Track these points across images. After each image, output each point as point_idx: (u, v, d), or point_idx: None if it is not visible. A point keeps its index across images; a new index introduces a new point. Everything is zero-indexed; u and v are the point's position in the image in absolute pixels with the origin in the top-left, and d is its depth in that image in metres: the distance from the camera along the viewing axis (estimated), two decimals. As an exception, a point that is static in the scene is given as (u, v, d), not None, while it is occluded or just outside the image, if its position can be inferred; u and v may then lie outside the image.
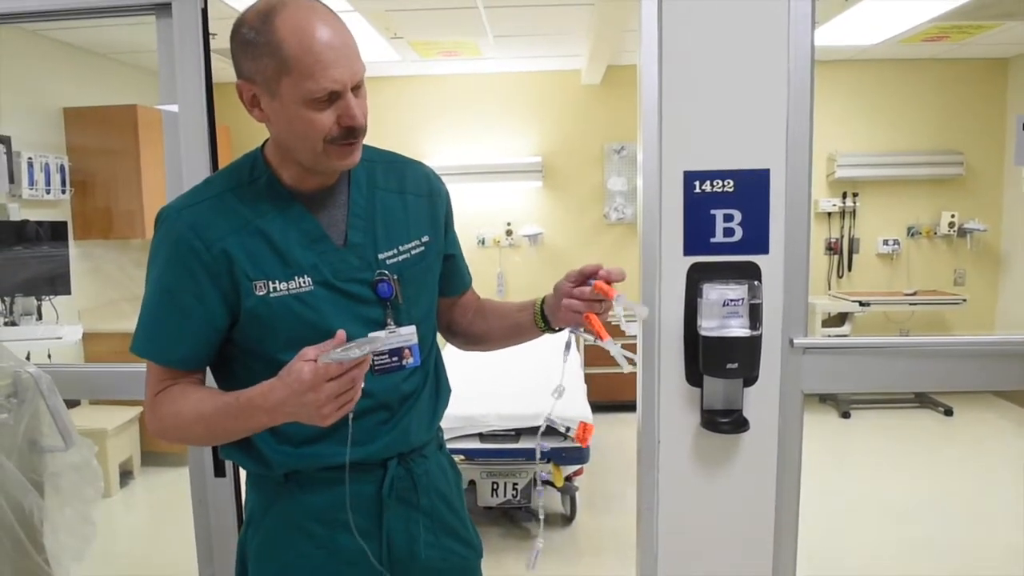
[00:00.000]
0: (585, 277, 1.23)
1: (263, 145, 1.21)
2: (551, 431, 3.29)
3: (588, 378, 4.58)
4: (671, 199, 1.70)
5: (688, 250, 1.70)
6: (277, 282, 1.14)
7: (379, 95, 5.52)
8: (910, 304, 5.44)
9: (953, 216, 5.59)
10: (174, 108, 1.87)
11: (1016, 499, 4.04)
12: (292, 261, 1.14)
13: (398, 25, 4.18)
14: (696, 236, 1.69)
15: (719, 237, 1.69)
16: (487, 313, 1.42)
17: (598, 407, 5.11)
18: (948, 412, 5.24)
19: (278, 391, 1.03)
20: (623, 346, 1.19)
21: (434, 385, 1.32)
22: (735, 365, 1.65)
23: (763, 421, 1.76)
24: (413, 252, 1.24)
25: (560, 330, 1.32)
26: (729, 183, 1.68)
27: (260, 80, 1.08)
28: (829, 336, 5.12)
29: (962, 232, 5.60)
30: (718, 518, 1.82)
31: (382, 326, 1.19)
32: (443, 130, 5.71)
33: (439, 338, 1.38)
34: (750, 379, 1.73)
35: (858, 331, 5.38)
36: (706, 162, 1.68)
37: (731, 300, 1.65)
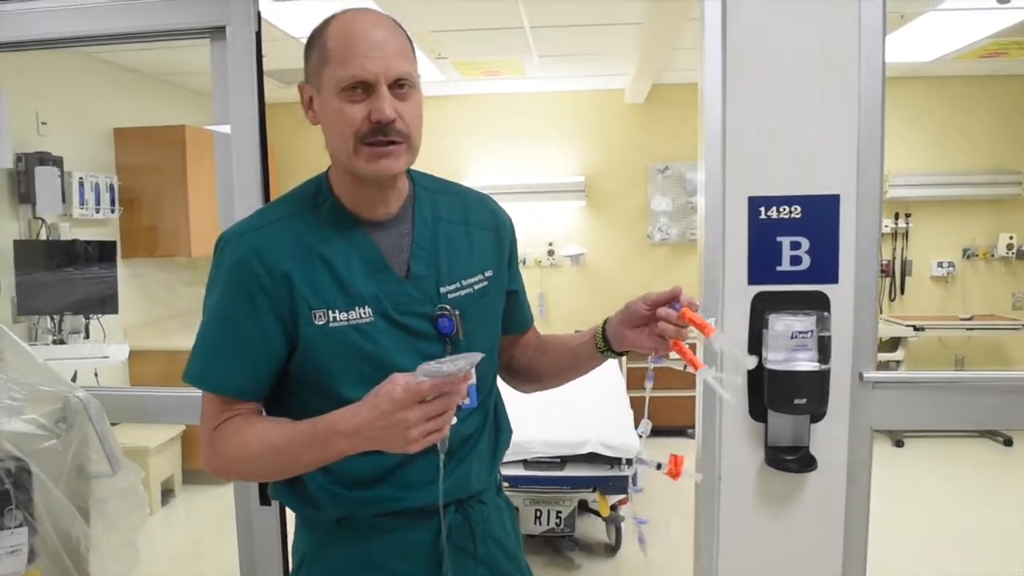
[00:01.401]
0: (666, 301, 1.13)
1: (328, 170, 1.18)
2: (597, 458, 3.21)
3: (632, 402, 4.49)
4: (734, 225, 1.63)
5: (753, 279, 1.62)
6: (337, 312, 1.09)
7: (430, 115, 5.53)
8: (966, 329, 5.25)
9: (1012, 237, 5.39)
10: (226, 129, 1.86)
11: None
12: (353, 291, 1.10)
13: (442, 46, 4.18)
14: (761, 264, 1.62)
15: (785, 265, 1.62)
16: (548, 347, 1.36)
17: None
18: (1008, 442, 5.01)
19: (364, 412, 0.98)
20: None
21: (493, 428, 1.26)
22: (803, 400, 1.57)
23: (831, 459, 1.67)
24: (476, 287, 1.19)
25: (624, 353, 1.23)
26: (796, 209, 1.60)
27: (312, 77, 1.09)
28: (886, 365, 4.95)
29: (1021, 254, 5.40)
30: (781, 560, 1.72)
31: None
32: (485, 149, 5.69)
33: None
34: (818, 415, 1.64)
35: (911, 357, 5.20)
36: (772, 187, 1.60)
37: (799, 332, 1.56)
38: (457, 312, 1.15)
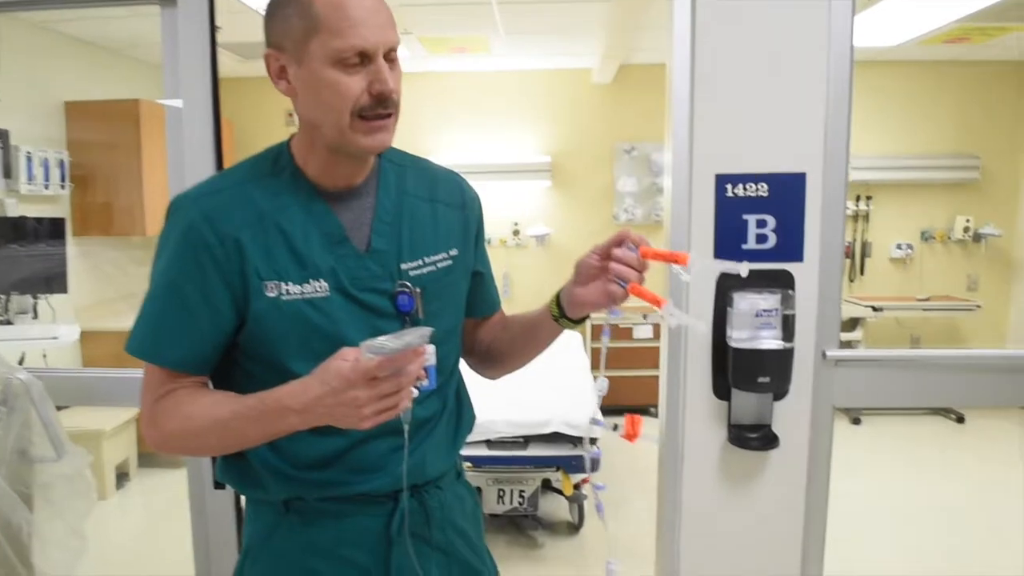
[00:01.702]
0: (615, 245, 1.09)
1: (290, 139, 1.12)
2: (560, 437, 3.20)
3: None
4: (701, 202, 1.61)
5: (718, 256, 1.61)
6: (290, 284, 1.04)
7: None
8: (923, 310, 5.35)
9: (968, 221, 5.49)
10: (178, 103, 1.78)
11: (1021, 506, 3.96)
12: (309, 263, 1.05)
13: (409, 20, 4.09)
14: (727, 242, 1.60)
15: (751, 243, 1.60)
16: (508, 325, 1.32)
17: (604, 411, 5.04)
18: (960, 419, 5.14)
19: (313, 388, 0.94)
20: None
21: (455, 412, 1.22)
22: (767, 379, 1.56)
23: (793, 437, 1.68)
24: (439, 265, 1.14)
25: (581, 321, 1.18)
26: (763, 187, 1.59)
27: (289, 45, 1.01)
28: (846, 344, 5.03)
29: (977, 237, 5.51)
30: (744, 536, 1.73)
31: None
32: (450, 128, 5.62)
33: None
34: (781, 393, 1.64)
35: (870, 337, 5.29)
36: (739, 165, 1.59)
37: (763, 310, 1.55)
38: (418, 290, 1.11)
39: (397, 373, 0.93)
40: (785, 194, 1.58)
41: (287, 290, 1.04)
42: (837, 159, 1.59)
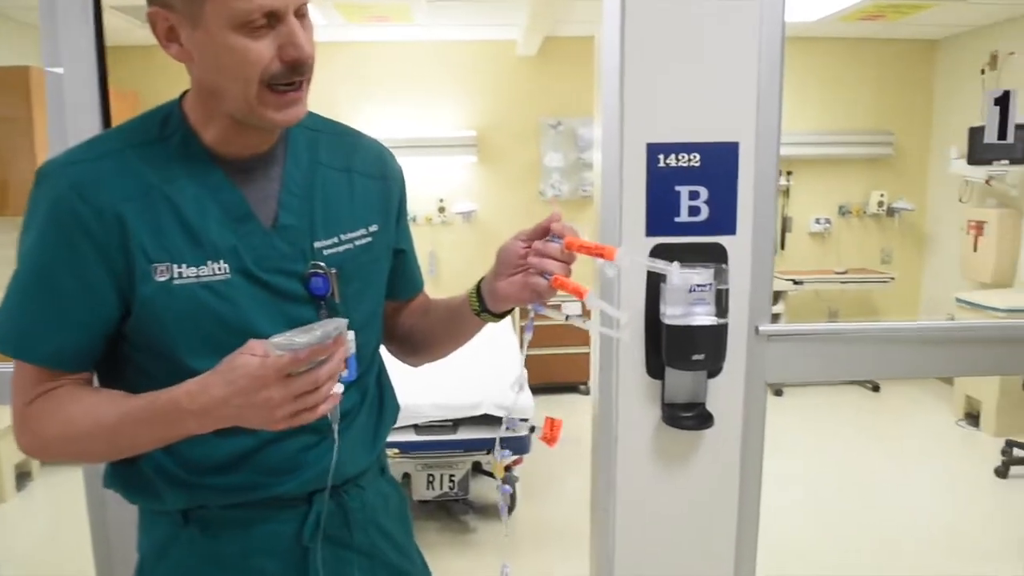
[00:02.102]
0: (543, 231, 1.01)
1: (181, 97, 0.97)
2: (490, 419, 3.13)
3: (527, 360, 4.44)
4: (632, 174, 1.54)
5: (651, 230, 1.55)
6: (184, 266, 0.90)
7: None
8: (841, 283, 5.51)
9: (883, 195, 5.67)
10: (59, 71, 1.59)
11: (937, 469, 4.14)
12: (206, 241, 0.92)
13: (322, -15, 3.89)
14: (659, 215, 1.54)
15: (684, 216, 1.55)
16: (429, 311, 1.22)
17: (535, 389, 5.00)
18: (876, 388, 5.34)
19: (216, 388, 0.83)
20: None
21: (376, 403, 1.12)
22: (701, 356, 1.51)
23: (727, 415, 1.64)
24: (357, 243, 1.03)
25: (504, 315, 1.11)
26: (695, 157, 1.53)
27: (178, 3, 0.86)
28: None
29: (891, 211, 5.69)
30: (679, 516, 1.69)
31: None
32: (371, 101, 5.42)
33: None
34: (715, 370, 1.60)
35: (790, 310, 5.41)
36: (671, 134, 1.52)
37: (697, 285, 1.50)
38: (334, 271, 0.99)
39: (316, 367, 0.83)
40: (718, 164, 1.53)
41: (180, 273, 0.90)
42: (769, 128, 1.55)
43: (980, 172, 4.75)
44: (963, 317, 4.69)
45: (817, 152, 5.55)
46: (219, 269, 0.92)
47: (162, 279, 0.90)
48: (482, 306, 1.09)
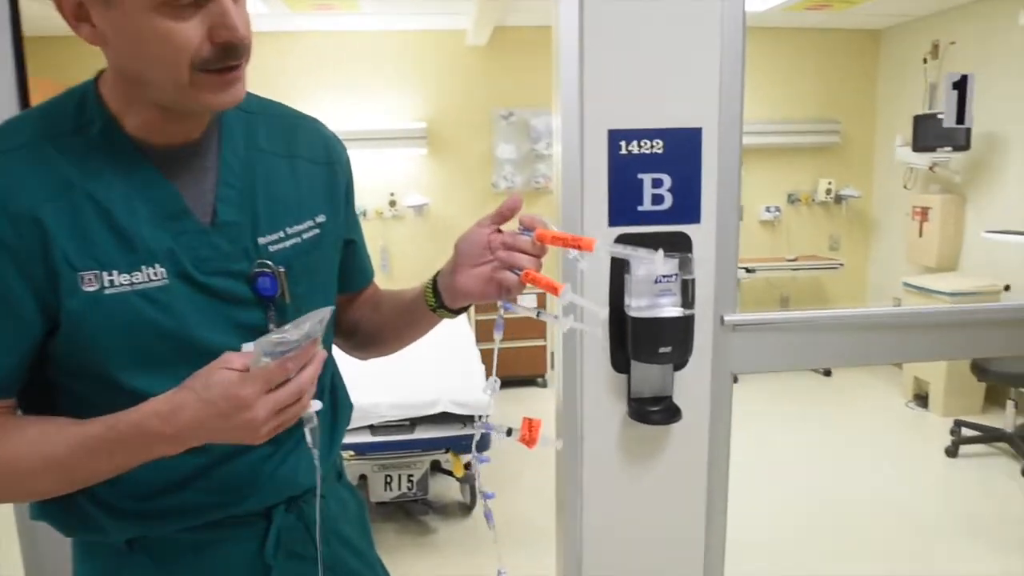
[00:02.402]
0: (509, 214, 0.95)
1: (96, 78, 0.86)
2: (448, 417, 3.06)
3: (483, 355, 4.37)
4: (594, 162, 1.48)
5: (613, 220, 1.49)
6: (115, 273, 0.81)
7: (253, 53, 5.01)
8: (792, 270, 5.58)
9: (830, 183, 5.75)
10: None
11: (888, 450, 4.22)
12: (138, 244, 0.82)
13: (263, -29, 3.74)
14: (622, 204, 1.49)
15: (647, 205, 1.50)
16: (381, 304, 1.15)
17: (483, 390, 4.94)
18: (827, 373, 5.43)
19: (190, 409, 0.75)
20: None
21: (330, 405, 1.04)
22: (668, 349, 1.47)
23: (693, 407, 1.60)
24: (305, 236, 0.94)
25: (462, 311, 1.04)
26: (658, 143, 1.48)
27: None
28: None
29: (838, 199, 5.78)
30: (647, 511, 1.65)
31: (261, 334, 0.90)
32: (317, 93, 5.26)
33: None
34: (681, 363, 1.56)
35: (744, 298, 5.46)
36: (633, 120, 1.47)
37: (663, 276, 1.46)
38: (282, 269, 0.91)
39: (297, 384, 0.77)
40: (681, 151, 1.48)
41: (111, 281, 0.81)
42: (732, 113, 1.50)
43: (924, 159, 4.85)
44: (910, 301, 4.79)
45: (766, 141, 5.60)
46: (155, 274, 0.83)
47: (91, 289, 0.80)
48: (438, 302, 1.01)
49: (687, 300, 1.48)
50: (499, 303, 0.98)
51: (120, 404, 0.78)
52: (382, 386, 3.01)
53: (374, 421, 2.97)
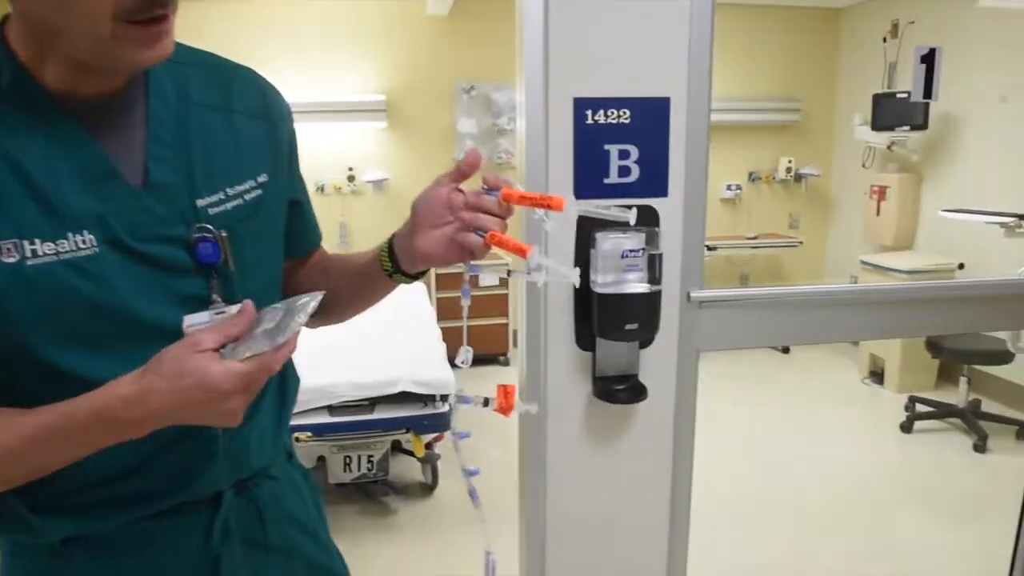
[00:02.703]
0: (469, 171, 0.92)
1: (2, 23, 0.77)
2: (409, 397, 3.00)
3: (445, 333, 4.31)
4: (558, 133, 1.42)
5: (580, 193, 1.43)
6: (38, 242, 0.73)
7: (191, 20, 4.81)
8: (752, 247, 5.61)
9: (790, 161, 5.78)
10: None
11: (845, 426, 4.29)
12: (63, 208, 0.75)
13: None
14: (588, 176, 1.43)
15: (614, 177, 1.44)
16: (330, 270, 1.08)
17: (454, 362, 4.89)
18: (785, 350, 5.49)
19: (162, 396, 0.69)
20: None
21: (278, 380, 0.98)
22: (635, 326, 1.43)
23: (659, 385, 1.57)
24: (247, 197, 0.88)
25: (419, 276, 0.99)
26: (625, 113, 1.42)
27: None
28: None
29: (798, 177, 5.82)
30: (612, 492, 1.62)
31: (204, 305, 0.83)
32: (271, 62, 5.07)
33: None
34: (647, 340, 1.52)
35: (704, 275, 5.48)
36: (600, 88, 1.41)
37: (629, 251, 1.41)
38: (224, 233, 0.84)
39: (267, 366, 0.75)
40: (648, 121, 1.43)
41: (34, 251, 0.73)
42: (701, 82, 1.46)
43: (883, 138, 4.89)
44: (866, 279, 4.86)
45: (728, 119, 5.60)
46: (83, 242, 0.75)
47: (10, 260, 0.72)
48: (395, 266, 0.96)
49: (654, 276, 1.43)
50: (464, 268, 0.94)
51: (52, 385, 0.71)
52: (341, 365, 2.94)
53: (332, 401, 2.90)
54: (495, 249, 0.92)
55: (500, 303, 4.99)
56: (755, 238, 5.65)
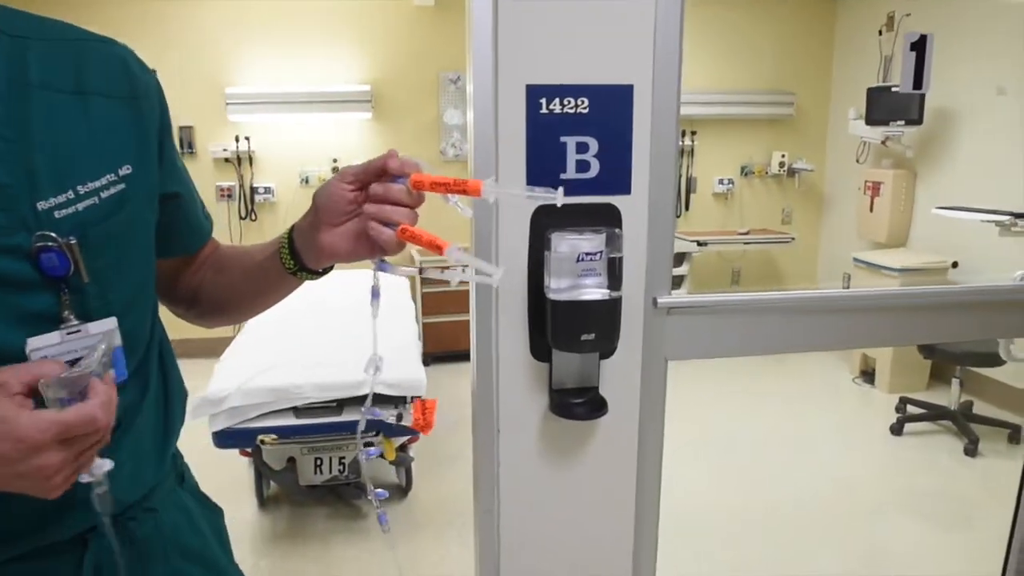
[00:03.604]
0: (377, 171, 0.81)
1: None
2: (379, 399, 2.88)
3: (425, 330, 4.20)
4: (510, 125, 1.30)
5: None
6: None
7: (181, 9, 4.68)
8: (744, 243, 5.50)
9: (783, 156, 5.66)
10: None
11: (835, 427, 4.19)
12: None
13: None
14: (542, 171, 1.31)
15: (571, 172, 1.32)
16: (225, 265, 0.97)
17: (433, 358, 4.78)
18: (776, 349, 5.38)
19: None
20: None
21: (159, 395, 0.86)
22: (591, 336, 1.31)
23: (622, 399, 1.45)
24: (104, 195, 0.75)
25: (324, 272, 0.89)
26: (583, 102, 1.30)
27: None
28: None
29: (791, 172, 5.70)
30: (572, 513, 1.51)
31: (55, 323, 0.71)
32: (253, 53, 4.96)
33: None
34: (607, 351, 1.40)
35: (695, 271, 5.36)
36: (555, 75, 1.29)
37: (587, 254, 1.29)
38: (73, 240, 0.72)
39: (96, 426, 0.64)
40: (609, 111, 1.31)
41: None
42: (668, 68, 1.33)
43: (877, 133, 4.77)
44: (859, 276, 4.74)
45: (721, 112, 5.48)
46: None
47: None
48: (298, 263, 0.85)
49: (614, 281, 1.31)
50: (374, 265, 0.84)
51: None
52: (307, 364, 2.82)
53: (298, 403, 2.78)
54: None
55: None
56: (747, 233, 5.53)
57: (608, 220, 1.34)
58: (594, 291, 1.30)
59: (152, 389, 0.85)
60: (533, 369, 1.40)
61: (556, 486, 1.48)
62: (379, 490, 1.13)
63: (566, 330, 1.31)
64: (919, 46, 1.58)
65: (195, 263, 0.97)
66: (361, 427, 1.05)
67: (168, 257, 0.90)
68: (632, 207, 1.37)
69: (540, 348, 1.38)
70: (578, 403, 1.40)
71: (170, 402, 0.89)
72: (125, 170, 0.77)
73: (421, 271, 0.88)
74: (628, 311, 1.40)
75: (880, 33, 4.88)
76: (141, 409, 0.82)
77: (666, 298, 1.44)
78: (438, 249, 0.79)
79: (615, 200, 1.35)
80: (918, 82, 1.59)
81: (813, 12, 5.52)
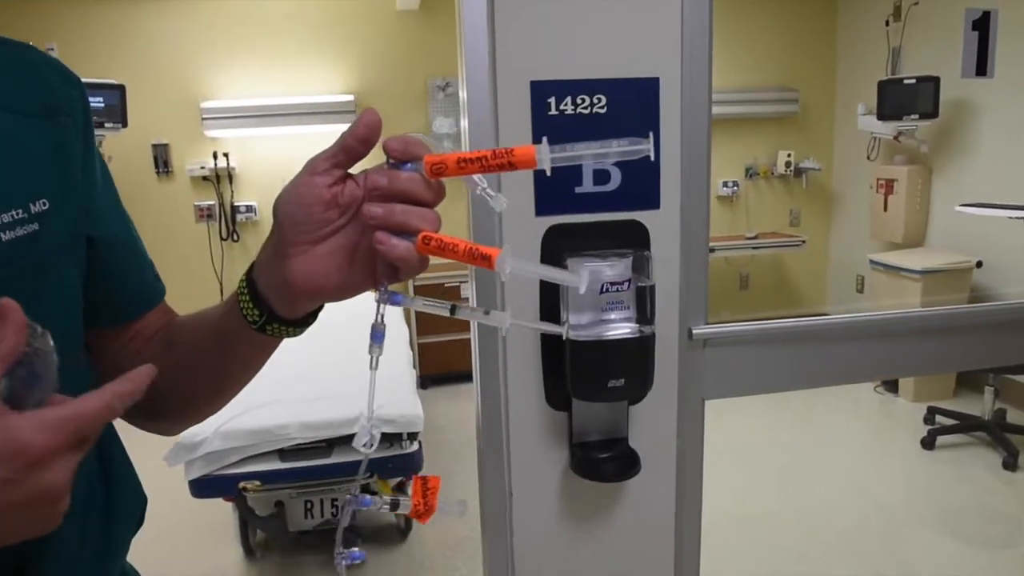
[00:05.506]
0: (354, 156, 0.59)
1: None
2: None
3: (421, 350, 3.97)
4: (513, 129, 1.07)
5: (543, 207, 1.09)
6: None
7: (150, 19, 4.46)
8: (753, 248, 5.28)
9: (790, 155, 5.46)
10: None
11: (857, 441, 3.96)
12: None
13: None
14: (554, 185, 1.09)
15: (588, 185, 1.10)
16: (175, 338, 0.73)
17: (431, 380, 4.54)
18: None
19: None
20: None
21: (101, 490, 0.65)
22: (620, 382, 1.08)
23: (656, 450, 1.22)
24: (7, 237, 0.55)
25: (303, 324, 0.65)
26: (600, 100, 1.08)
27: None
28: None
29: (798, 172, 5.50)
30: (598, 583, 1.28)
31: None
32: (231, 63, 4.74)
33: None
34: (638, 397, 1.17)
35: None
36: (565, 69, 1.06)
37: (611, 283, 1.06)
38: None
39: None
40: (632, 110, 1.09)
41: None
42: (699, 58, 1.11)
43: (889, 128, 4.55)
44: (876, 279, 4.52)
45: (723, 111, 5.28)
46: None
47: None
48: (264, 313, 0.61)
49: (644, 314, 1.09)
50: (379, 295, 0.60)
51: None
52: (292, 403, 2.59)
53: (283, 445, 2.54)
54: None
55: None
56: (755, 237, 5.32)
57: (634, 240, 1.12)
58: (622, 327, 1.07)
59: (81, 488, 0.62)
60: (550, 419, 1.17)
61: (580, 557, 1.24)
62: (355, 551, 0.88)
63: (590, 376, 1.08)
64: (982, 24, 1.36)
65: (130, 336, 0.72)
66: (344, 521, 0.81)
67: (98, 327, 0.68)
68: (662, 224, 1.14)
69: (557, 396, 1.15)
70: (605, 459, 1.16)
71: (114, 499, 0.66)
72: (39, 205, 0.57)
73: (453, 311, 0.63)
74: (660, 346, 1.17)
75: (887, 23, 4.68)
76: (70, 513, 0.60)
77: (702, 328, 1.22)
78: (484, 261, 0.56)
79: (641, 216, 1.13)
80: (982, 67, 1.37)
81: (814, 5, 5.33)
